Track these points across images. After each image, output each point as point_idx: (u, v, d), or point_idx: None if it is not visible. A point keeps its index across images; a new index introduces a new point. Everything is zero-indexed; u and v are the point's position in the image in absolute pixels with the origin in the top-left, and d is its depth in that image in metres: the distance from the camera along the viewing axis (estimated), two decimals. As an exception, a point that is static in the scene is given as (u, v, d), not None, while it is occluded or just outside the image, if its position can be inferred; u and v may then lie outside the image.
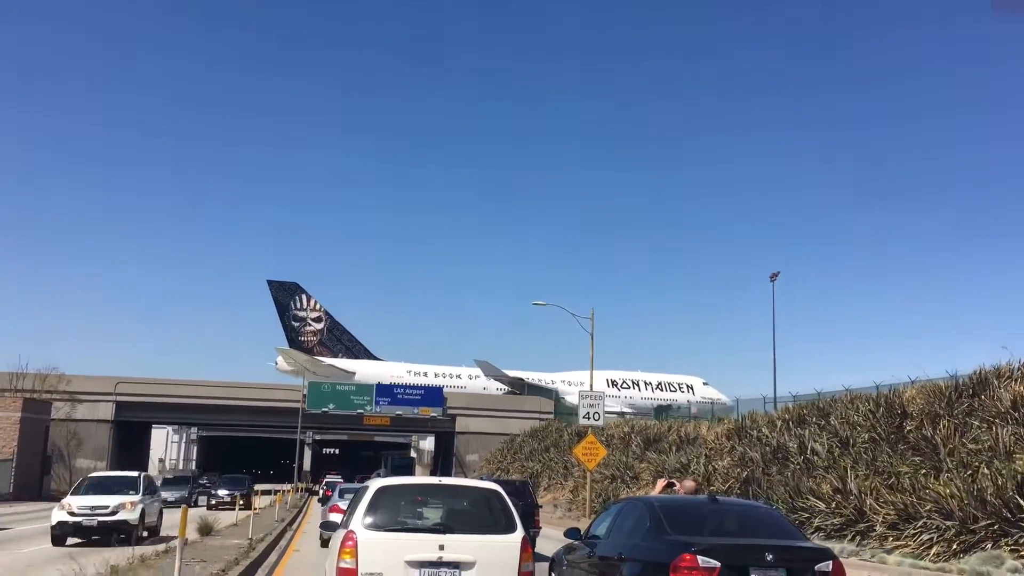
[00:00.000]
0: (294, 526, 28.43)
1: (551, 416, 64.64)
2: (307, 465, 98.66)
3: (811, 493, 20.04)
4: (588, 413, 31.39)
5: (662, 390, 63.26)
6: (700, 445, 36.62)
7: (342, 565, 8.07)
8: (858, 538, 16.97)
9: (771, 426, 31.10)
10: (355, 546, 8.07)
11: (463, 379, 70.92)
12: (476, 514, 8.70)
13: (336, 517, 18.30)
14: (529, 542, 8.68)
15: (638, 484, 38.42)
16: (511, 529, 8.47)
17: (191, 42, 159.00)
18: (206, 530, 19.41)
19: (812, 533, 18.51)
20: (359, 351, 76.64)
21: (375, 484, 9.01)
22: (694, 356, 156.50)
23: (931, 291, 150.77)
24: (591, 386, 32.27)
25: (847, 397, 29.35)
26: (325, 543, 17.80)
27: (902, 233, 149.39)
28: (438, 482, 9.64)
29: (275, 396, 62.50)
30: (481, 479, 17.90)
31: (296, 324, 74.88)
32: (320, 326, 75.86)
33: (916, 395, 24.93)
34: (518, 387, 65.47)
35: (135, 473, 23.68)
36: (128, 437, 61.57)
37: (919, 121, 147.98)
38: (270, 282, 75.94)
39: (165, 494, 40.45)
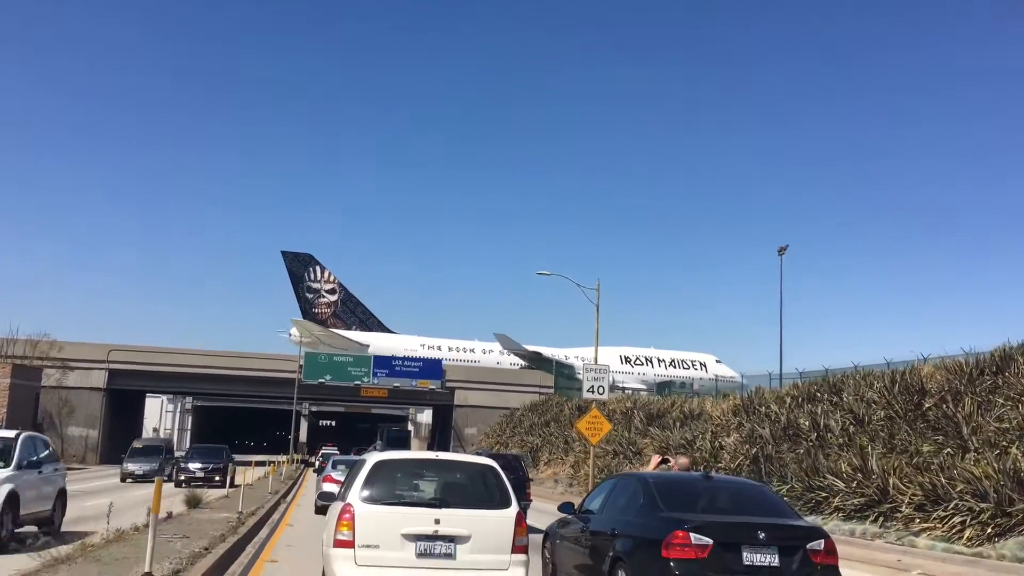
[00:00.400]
0: (288, 499, 27.55)
1: (551, 390, 63.98)
2: (303, 437, 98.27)
3: (829, 472, 19.13)
4: (592, 386, 30.51)
5: (675, 367, 62.64)
6: (705, 421, 35.86)
7: (339, 537, 8.07)
8: (881, 519, 16.12)
9: (780, 403, 30.27)
10: (352, 519, 8.08)
11: (476, 353, 70.27)
12: (471, 489, 8.70)
13: (329, 486, 20.71)
14: (523, 517, 8.72)
15: (641, 460, 37.68)
16: (506, 504, 8.46)
17: (186, 16, 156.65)
18: (194, 502, 18.54)
19: (831, 514, 17.71)
20: (373, 324, 75.80)
21: (372, 458, 8.94)
22: (700, 332, 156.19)
23: (940, 269, 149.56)
24: (596, 359, 31.35)
25: (859, 374, 28.50)
26: (320, 511, 18.97)
27: (914, 209, 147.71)
28: (434, 457, 9.60)
29: (271, 366, 61.68)
30: (477, 453, 18.37)
31: (310, 296, 73.99)
32: (334, 298, 75.04)
33: (934, 372, 24.07)
34: (535, 362, 64.63)
35: (10, 433, 14.92)
36: (121, 405, 60.79)
37: (935, 91, 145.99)
38: (284, 253, 75.02)
39: (132, 466, 37.51)
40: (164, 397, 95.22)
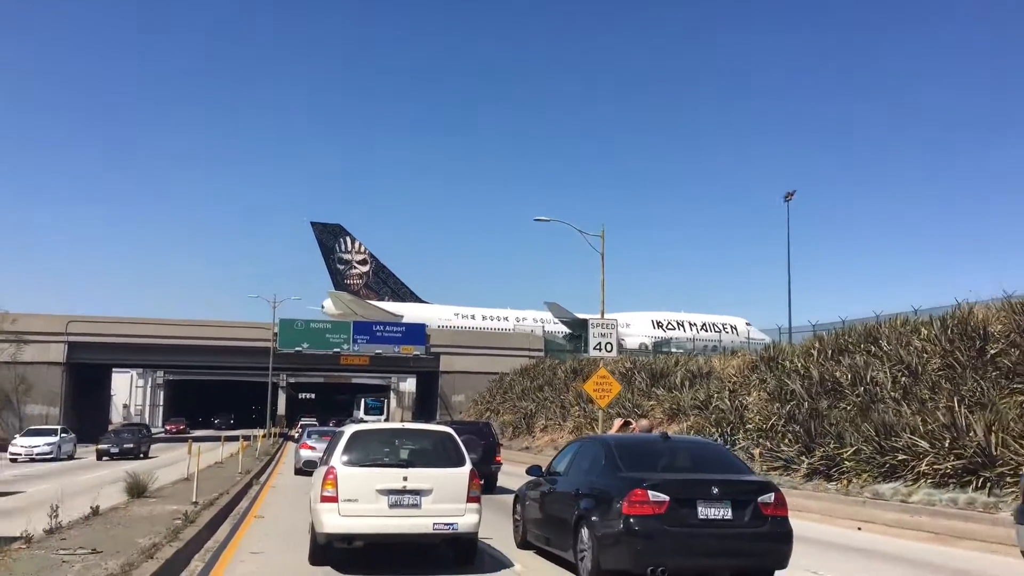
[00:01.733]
0: (262, 479, 24.46)
1: (541, 353, 61.30)
2: (282, 410, 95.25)
3: (909, 431, 16.32)
4: (600, 343, 27.63)
5: (706, 330, 60.91)
6: (717, 379, 33.25)
7: (325, 493, 9.66)
8: (989, 486, 13.37)
9: (806, 356, 27.61)
10: (335, 478, 9.68)
11: (510, 321, 68.67)
12: (433, 452, 10.31)
13: (305, 452, 26.99)
14: (477, 474, 10.25)
15: (653, 427, 35.15)
16: (461, 463, 10.15)
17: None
18: (137, 491, 15.00)
19: (915, 481, 14.99)
20: (405, 294, 74.40)
21: (350, 429, 10.62)
22: (704, 289, 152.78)
23: (953, 215, 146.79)
24: (602, 312, 28.45)
25: (896, 321, 25.85)
26: (300, 472, 25.77)
27: (928, 148, 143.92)
28: (402, 427, 11.92)
29: (245, 335, 58.25)
30: (437, 423, 20.66)
31: (341, 267, 72.78)
32: (366, 269, 73.96)
33: (990, 316, 21.39)
34: (583, 329, 62.32)
35: None
36: (85, 381, 57.29)
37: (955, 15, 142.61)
38: (314, 224, 73.39)
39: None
40: (133, 372, 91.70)
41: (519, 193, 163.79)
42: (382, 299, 71.49)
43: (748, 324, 58.56)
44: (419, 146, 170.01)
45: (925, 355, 21.26)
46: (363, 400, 77.27)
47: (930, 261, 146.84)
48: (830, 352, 26.50)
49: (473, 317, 68.91)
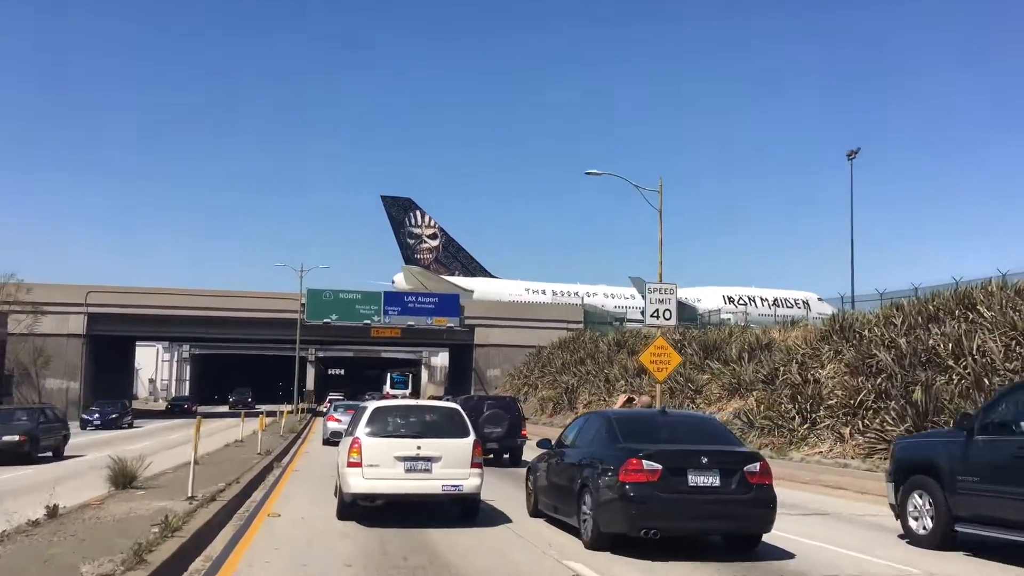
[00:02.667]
0: (284, 461, 21.97)
1: (580, 325, 58.95)
2: (311, 385, 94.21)
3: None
4: (657, 311, 25.12)
5: (778, 306, 58.82)
6: (777, 351, 30.74)
7: (351, 460, 11.50)
8: None
9: (886, 325, 25.01)
10: (360, 447, 11.54)
11: (579, 297, 66.82)
12: (442, 424, 12.15)
13: (332, 424, 29.66)
14: (480, 443, 12.22)
15: (702, 398, 32.82)
16: (466, 434, 11.95)
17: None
18: (123, 480, 12.49)
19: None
20: (475, 269, 73.43)
21: (372, 405, 12.77)
22: (769, 254, 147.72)
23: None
24: (660, 276, 25.98)
25: (992, 285, 23.14)
26: (327, 443, 28.06)
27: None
28: (415, 403, 14.70)
29: (272, 306, 56.57)
30: (445, 399, 23.56)
31: (411, 241, 72.27)
32: (435, 243, 73.21)
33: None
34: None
35: None
36: (107, 354, 56.13)
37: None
38: (383, 197, 73.00)
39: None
40: (159, 345, 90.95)
41: (586, 155, 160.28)
42: (452, 274, 70.53)
43: (820, 299, 56.10)
44: (477, 115, 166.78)
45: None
46: (389, 375, 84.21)
47: (980, 229, 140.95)
48: (917, 320, 23.94)
49: (543, 292, 67.15)
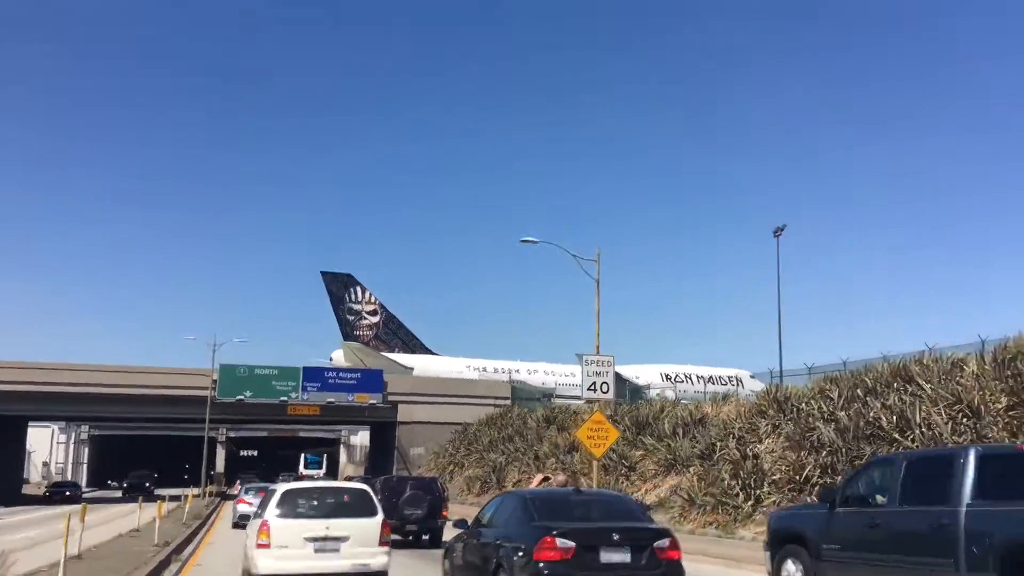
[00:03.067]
0: (185, 553, 19.28)
1: (508, 402, 57.75)
2: (220, 467, 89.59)
3: None
4: (595, 384, 24.35)
5: (712, 383, 59.09)
6: (712, 427, 30.25)
7: (260, 542, 11.84)
8: None
9: (823, 398, 24.80)
10: (268, 529, 11.89)
11: (522, 374, 66.33)
12: (351, 505, 12.61)
13: (242, 507, 28.84)
14: (387, 523, 12.94)
15: (637, 475, 31.90)
16: (374, 514, 12.54)
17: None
18: None
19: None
20: (416, 346, 72.84)
21: (282, 487, 13.13)
22: (697, 332, 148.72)
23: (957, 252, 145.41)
24: (597, 348, 25.30)
25: (926, 358, 23.23)
26: (237, 526, 26.84)
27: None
28: (325, 484, 16.08)
29: (181, 383, 53.66)
30: (351, 480, 25.60)
31: (351, 318, 71.13)
32: (376, 319, 72.51)
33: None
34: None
35: None
36: (-4, 435, 51.97)
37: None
38: (324, 273, 72.01)
39: None
40: (55, 426, 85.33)
41: (527, 223, 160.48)
42: (392, 350, 69.58)
43: (752, 376, 56.96)
44: (407, 188, 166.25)
45: (984, 392, 18.53)
46: (303, 456, 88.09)
47: (905, 304, 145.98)
48: (854, 393, 23.78)
49: (484, 369, 66.60)
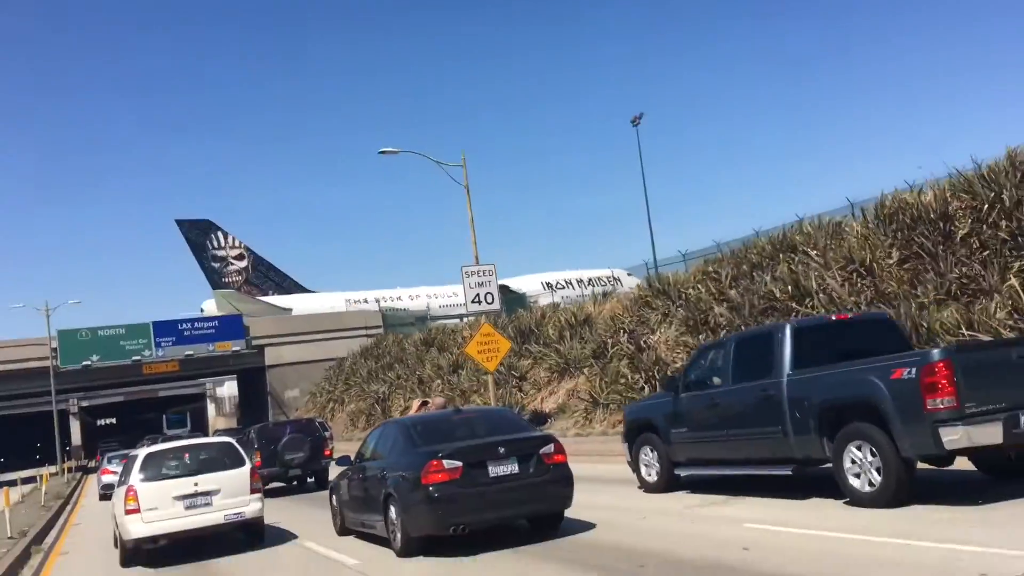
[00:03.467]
0: (48, 541, 17.00)
1: (380, 330, 55.97)
2: (77, 440, 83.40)
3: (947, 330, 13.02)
4: (478, 295, 23.03)
5: (592, 285, 58.53)
6: (600, 325, 29.80)
7: (128, 508, 11.84)
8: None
9: (710, 280, 24.56)
10: (136, 494, 11.90)
11: (404, 301, 63.72)
12: (218, 458, 12.72)
13: (106, 477, 27.21)
14: (256, 471, 13.11)
15: (529, 383, 31.21)
16: (241, 464, 12.65)
17: None
18: None
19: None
20: (290, 286, 68.79)
21: (143, 451, 13.16)
22: (570, 230, 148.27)
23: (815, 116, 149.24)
24: (475, 258, 23.89)
25: (805, 226, 23.18)
26: (104, 497, 24.71)
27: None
28: (187, 443, 14.27)
29: (14, 356, 48.59)
30: (217, 433, 25.87)
31: (216, 265, 66.66)
32: (243, 264, 68.32)
33: (935, 196, 18.84)
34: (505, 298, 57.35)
35: None
36: None
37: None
38: (179, 221, 66.51)
39: None
40: None
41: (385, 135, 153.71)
42: (266, 293, 65.89)
43: (629, 274, 57.38)
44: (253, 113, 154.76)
45: (874, 250, 18.46)
46: (165, 417, 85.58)
47: (770, 180, 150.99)
48: (739, 270, 23.61)
49: (366, 301, 63.51)
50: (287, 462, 21.59)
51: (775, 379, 10.30)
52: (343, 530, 12.53)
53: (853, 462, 9.41)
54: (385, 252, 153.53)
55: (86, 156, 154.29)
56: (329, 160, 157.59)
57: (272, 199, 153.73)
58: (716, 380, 11.53)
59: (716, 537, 9.05)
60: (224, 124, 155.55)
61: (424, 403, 18.74)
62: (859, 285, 17.83)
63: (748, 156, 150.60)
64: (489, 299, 23.32)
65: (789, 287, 19.46)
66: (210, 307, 61.95)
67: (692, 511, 10.87)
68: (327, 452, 23.05)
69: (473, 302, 23.16)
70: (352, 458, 12.44)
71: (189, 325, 52.33)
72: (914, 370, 8.85)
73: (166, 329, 51.61)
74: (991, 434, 8.55)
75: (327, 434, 27.88)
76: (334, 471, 17.70)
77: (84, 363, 49.51)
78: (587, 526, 10.59)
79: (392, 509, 10.19)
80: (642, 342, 24.86)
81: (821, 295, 18.12)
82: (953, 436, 8.58)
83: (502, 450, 9.89)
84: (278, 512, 16.80)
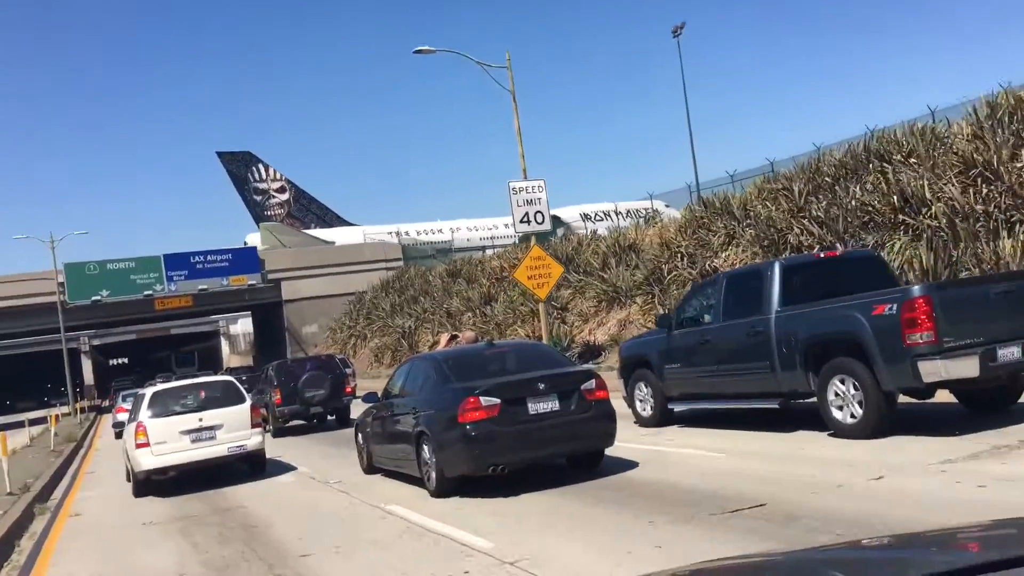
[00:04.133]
0: (56, 496, 14.97)
1: (400, 263, 53.99)
2: (89, 379, 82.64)
3: None
4: (527, 215, 20.75)
5: (631, 218, 56.57)
6: (648, 250, 27.60)
7: (139, 442, 12.85)
8: None
9: (782, 196, 22.23)
10: (145, 429, 12.87)
11: (445, 234, 62.14)
12: (221, 396, 13.79)
13: (121, 415, 26.77)
14: (256, 407, 14.28)
15: (574, 315, 29.13)
16: (242, 401, 13.72)
17: None
18: None
19: None
20: (332, 219, 67.37)
21: (149, 390, 14.36)
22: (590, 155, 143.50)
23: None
24: (524, 171, 21.53)
25: (902, 131, 20.65)
26: (119, 435, 23.32)
27: None
28: (191, 381, 15.55)
29: (19, 291, 46.88)
30: (226, 372, 29.17)
31: (259, 198, 65.66)
32: (285, 196, 67.07)
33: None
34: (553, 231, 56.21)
35: None
36: None
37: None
38: (220, 154, 65.16)
39: None
40: None
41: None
42: (308, 227, 64.47)
43: (667, 205, 55.62)
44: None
45: (999, 150, 16.03)
46: (172, 356, 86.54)
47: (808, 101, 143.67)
48: (813, 185, 21.29)
49: (407, 234, 62.06)
50: (307, 399, 21.18)
51: (764, 315, 10.61)
52: (370, 468, 12.29)
53: (836, 395, 9.74)
54: (423, 183, 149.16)
55: (132, 97, 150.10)
56: (363, 89, 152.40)
57: (310, 132, 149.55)
58: (707, 318, 11.86)
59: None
60: (258, 57, 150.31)
61: (454, 337, 18.32)
62: (985, 191, 15.47)
63: (782, 80, 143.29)
64: (539, 218, 21.06)
65: (894, 197, 17.10)
66: (254, 241, 60.46)
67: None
68: (348, 389, 22.85)
69: (522, 221, 20.91)
70: (379, 395, 12.15)
71: (202, 258, 50.28)
72: (895, 306, 9.10)
73: (178, 262, 49.62)
74: (968, 367, 8.86)
75: (348, 371, 27.32)
76: (356, 409, 17.56)
77: (93, 298, 47.76)
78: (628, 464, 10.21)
79: (425, 448, 9.88)
80: (706, 266, 22.72)
81: (938, 204, 15.79)
82: (931, 369, 8.90)
83: (542, 386, 9.52)
84: (297, 449, 17.54)
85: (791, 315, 10.31)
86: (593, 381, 9.88)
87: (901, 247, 15.76)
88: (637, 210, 61.91)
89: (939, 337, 8.82)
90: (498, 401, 9.27)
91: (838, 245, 17.30)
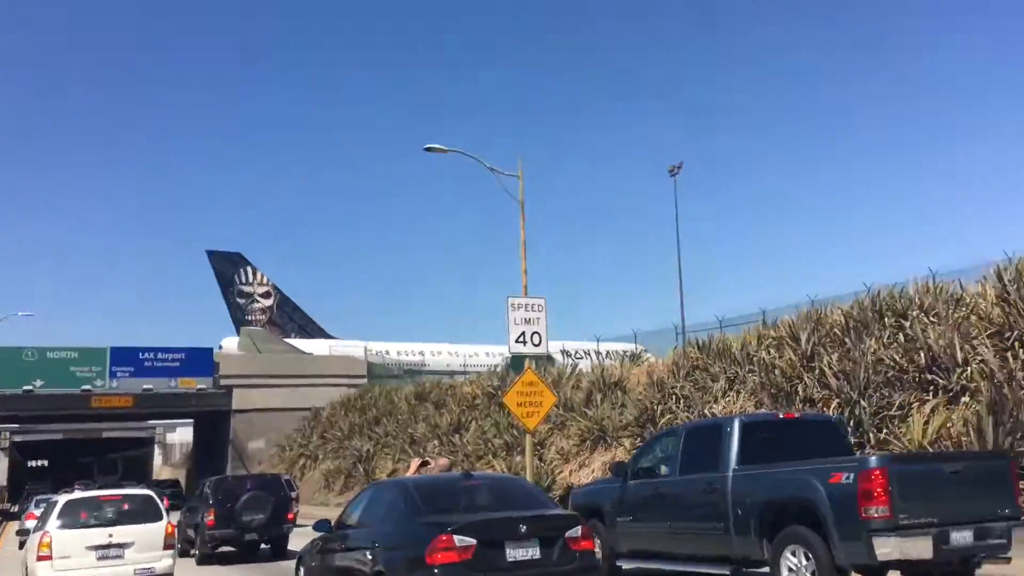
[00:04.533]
0: None
1: (364, 380, 52.17)
2: (2, 479, 77.71)
3: None
4: (523, 334, 19.65)
5: (609, 358, 56.02)
6: (636, 389, 26.69)
7: (40, 554, 12.41)
8: None
9: (787, 344, 21.59)
10: (50, 541, 12.51)
11: (425, 356, 61.70)
12: (137, 511, 13.44)
13: (31, 523, 25.13)
14: (172, 526, 13.87)
15: (554, 454, 27.67)
16: (159, 519, 13.45)
17: None
18: None
19: None
20: (313, 330, 67.06)
21: (63, 499, 13.88)
22: (576, 293, 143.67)
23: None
24: (524, 289, 20.63)
25: (921, 287, 20.24)
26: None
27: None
28: (109, 493, 14.72)
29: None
30: (139, 486, 25.67)
31: (242, 301, 65.49)
32: (269, 302, 66.96)
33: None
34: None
35: None
36: None
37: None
38: (210, 253, 65.38)
39: None
40: None
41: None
42: (288, 335, 63.85)
43: (644, 349, 55.76)
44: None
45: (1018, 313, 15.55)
46: (94, 463, 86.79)
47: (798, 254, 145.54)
48: (831, 335, 20.68)
49: (387, 352, 61.74)
50: (245, 524, 19.98)
51: (721, 473, 10.41)
52: None
53: (790, 570, 9.48)
54: (408, 303, 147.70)
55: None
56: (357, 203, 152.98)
57: (299, 239, 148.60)
58: (664, 469, 11.63)
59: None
60: (245, 154, 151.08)
61: (424, 463, 17.36)
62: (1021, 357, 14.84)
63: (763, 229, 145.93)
64: (536, 340, 19.93)
65: (921, 354, 16.41)
66: (230, 344, 59.30)
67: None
68: (290, 516, 21.67)
69: (517, 341, 19.73)
70: (332, 524, 10.92)
71: (151, 355, 47.93)
72: (852, 475, 8.99)
73: (125, 357, 47.23)
74: (922, 548, 8.74)
75: (293, 494, 25.76)
76: (296, 540, 16.85)
77: (25, 388, 44.93)
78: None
79: None
80: (705, 410, 21.70)
81: (975, 365, 15.10)
82: (885, 548, 8.75)
83: (523, 528, 8.70)
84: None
85: (748, 475, 10.17)
86: (580, 528, 9.15)
87: (934, 407, 14.96)
88: (617, 352, 61.90)
89: (894, 512, 8.69)
90: (473, 542, 8.39)
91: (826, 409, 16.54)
